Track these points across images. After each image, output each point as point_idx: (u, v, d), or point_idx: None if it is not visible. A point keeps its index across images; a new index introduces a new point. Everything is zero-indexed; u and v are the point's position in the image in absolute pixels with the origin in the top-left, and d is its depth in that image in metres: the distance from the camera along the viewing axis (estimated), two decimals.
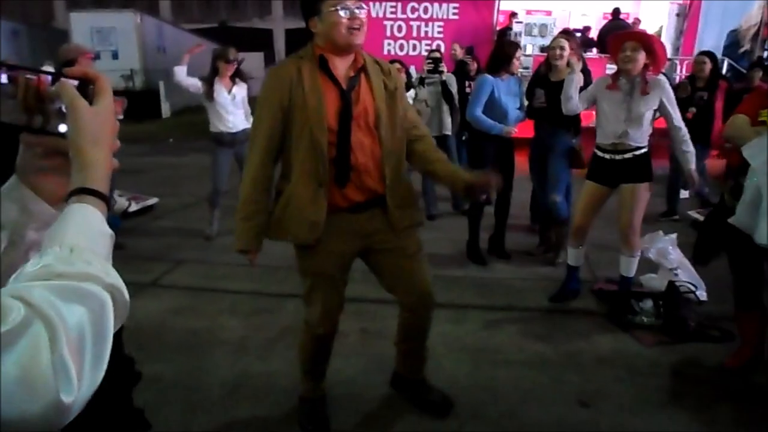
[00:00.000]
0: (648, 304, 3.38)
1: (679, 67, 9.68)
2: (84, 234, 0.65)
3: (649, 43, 3.25)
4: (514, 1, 10.53)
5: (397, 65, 5.69)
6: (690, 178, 3.34)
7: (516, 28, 10.39)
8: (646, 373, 2.83)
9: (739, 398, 2.64)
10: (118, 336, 0.63)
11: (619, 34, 3.49)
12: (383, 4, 10.56)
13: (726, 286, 2.92)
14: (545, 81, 4.13)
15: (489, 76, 4.18)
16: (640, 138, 3.29)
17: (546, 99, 4.08)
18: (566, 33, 4.55)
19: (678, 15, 10.73)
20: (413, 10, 10.53)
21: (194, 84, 4.81)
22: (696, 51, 9.42)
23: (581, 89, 3.60)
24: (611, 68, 8.53)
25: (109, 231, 0.69)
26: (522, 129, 4.47)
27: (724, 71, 8.80)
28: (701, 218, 5.27)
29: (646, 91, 3.21)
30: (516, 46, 4.38)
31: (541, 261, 4.43)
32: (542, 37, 10.49)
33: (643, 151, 3.30)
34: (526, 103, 4.35)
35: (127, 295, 0.65)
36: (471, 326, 3.35)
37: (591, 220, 3.54)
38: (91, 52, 4.59)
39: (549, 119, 4.08)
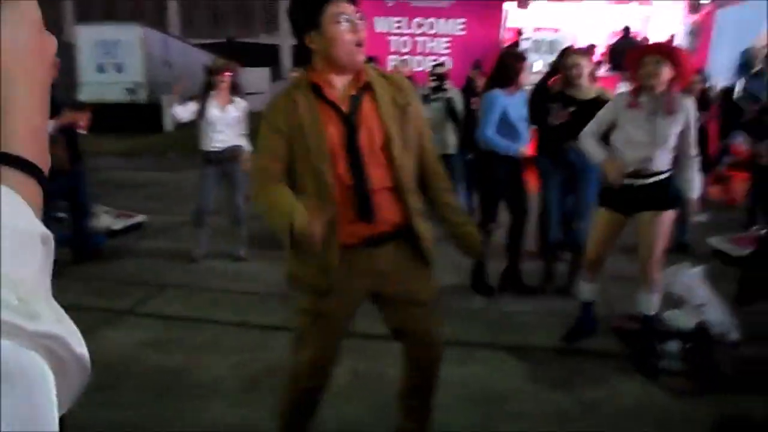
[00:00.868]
0: (674, 346, 3.03)
1: None
2: (12, 253, 0.36)
3: (673, 55, 2.91)
4: (523, 16, 10.34)
5: None
6: (692, 207, 3.08)
7: (524, 44, 10.15)
8: (677, 430, 2.47)
9: None
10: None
11: (639, 48, 3.18)
12: (388, 19, 10.39)
13: (763, 325, 2.58)
14: (564, 97, 3.82)
15: (498, 92, 3.88)
16: (665, 162, 2.95)
17: (573, 116, 3.75)
18: (581, 50, 4.39)
19: (691, 33, 10.49)
20: (419, 25, 10.36)
21: (190, 110, 4.56)
22: (708, 70, 9.17)
23: None
24: (623, 87, 8.33)
25: (43, 230, 0.40)
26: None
27: (736, 93, 8.55)
28: (729, 249, 4.92)
29: (674, 110, 2.88)
30: (521, 57, 4.12)
31: (550, 291, 4.08)
32: (551, 54, 10.25)
33: (666, 175, 2.96)
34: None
35: (81, 347, 0.38)
36: (478, 368, 2.99)
37: (608, 251, 3.20)
38: None
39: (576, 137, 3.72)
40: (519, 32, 10.31)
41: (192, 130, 4.82)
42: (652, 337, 3.09)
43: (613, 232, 3.13)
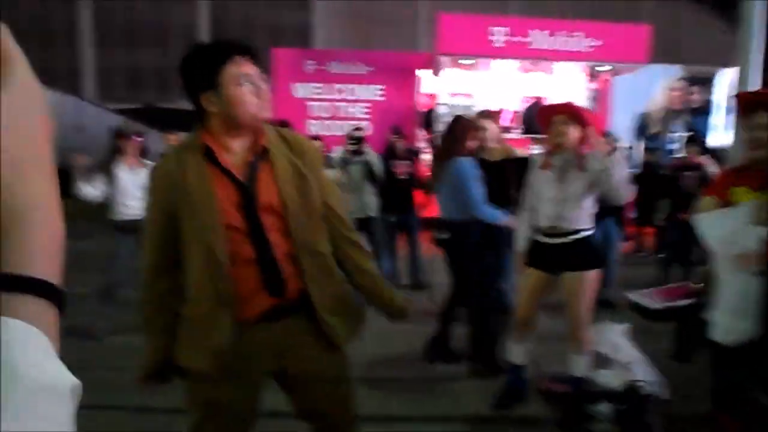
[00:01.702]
0: (605, 408, 2.93)
1: None
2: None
3: (579, 115, 2.98)
4: (437, 83, 10.74)
5: (318, 143, 5.35)
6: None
7: (440, 109, 10.49)
8: None
9: None
10: None
11: (547, 107, 3.25)
12: (307, 84, 10.47)
13: (691, 381, 2.52)
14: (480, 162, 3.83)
15: (466, 159, 3.64)
16: (581, 220, 2.96)
17: (489, 180, 3.73)
18: (487, 114, 4.45)
19: (592, 99, 11.25)
20: (339, 91, 10.50)
21: (99, 188, 4.30)
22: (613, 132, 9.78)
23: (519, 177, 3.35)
24: (534, 149, 8.67)
25: (72, 381, 0.37)
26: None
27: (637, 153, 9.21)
28: (647, 303, 4.99)
29: (584, 167, 2.91)
30: (473, 123, 3.93)
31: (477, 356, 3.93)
32: None
33: (586, 233, 2.96)
34: None
35: None
36: None
37: (535, 310, 3.14)
38: None
39: (492, 200, 3.70)
40: (433, 97, 10.68)
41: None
42: (583, 400, 2.99)
43: (541, 292, 3.09)
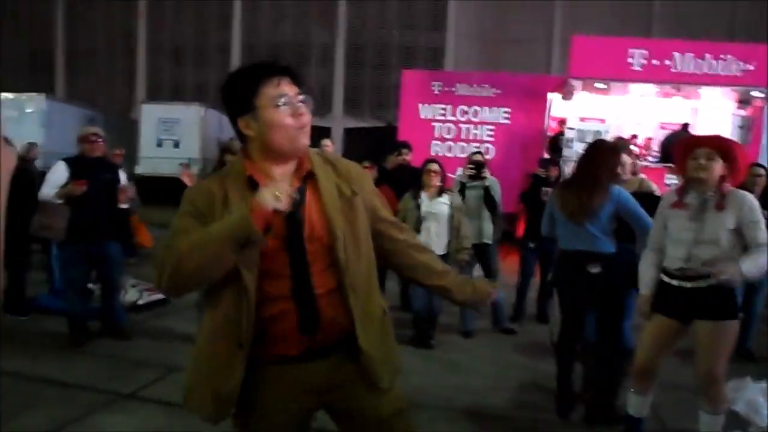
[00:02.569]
0: None
1: None
2: None
3: (727, 149, 2.66)
4: (567, 106, 10.36)
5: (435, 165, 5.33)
6: (733, 274, 2.52)
7: (568, 133, 10.08)
8: None
9: None
10: None
11: (689, 139, 2.90)
12: (432, 106, 10.58)
13: None
14: None
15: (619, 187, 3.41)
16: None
17: None
18: (622, 142, 4.22)
19: (741, 127, 10.21)
20: (463, 113, 10.49)
21: None
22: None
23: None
24: (671, 179, 8.04)
25: None
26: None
27: None
28: None
29: (723, 206, 2.61)
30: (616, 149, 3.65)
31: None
32: None
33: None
34: None
35: None
36: None
37: (660, 360, 2.83)
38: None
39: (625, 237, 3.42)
40: (562, 122, 10.31)
41: None
42: None
43: (668, 340, 2.80)
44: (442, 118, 10.66)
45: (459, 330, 5.04)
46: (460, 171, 6.24)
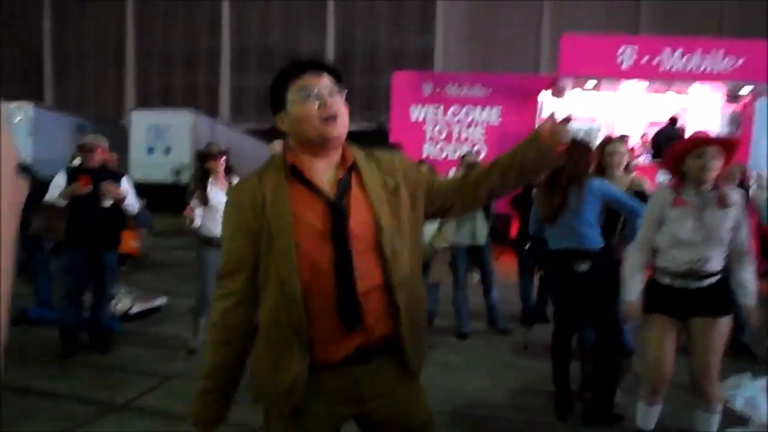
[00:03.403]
0: None
1: None
2: None
3: (732, 150, 2.63)
4: (559, 105, 10.38)
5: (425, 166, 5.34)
6: (750, 317, 2.65)
7: None
8: None
9: None
10: None
11: (694, 139, 2.76)
12: (424, 107, 10.57)
13: None
14: None
15: (598, 179, 3.44)
16: (719, 261, 2.64)
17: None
18: (619, 139, 4.22)
19: (731, 122, 10.27)
20: (454, 113, 10.50)
21: (198, 214, 4.35)
22: (750, 160, 8.84)
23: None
24: (663, 175, 8.05)
25: None
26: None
27: None
28: None
29: (727, 204, 2.59)
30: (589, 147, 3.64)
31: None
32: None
33: (720, 276, 2.64)
34: None
35: None
36: None
37: (671, 363, 2.75)
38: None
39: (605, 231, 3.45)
40: None
41: None
42: None
43: (673, 340, 2.74)
44: (433, 118, 10.66)
45: (455, 331, 5.02)
46: (452, 172, 6.23)
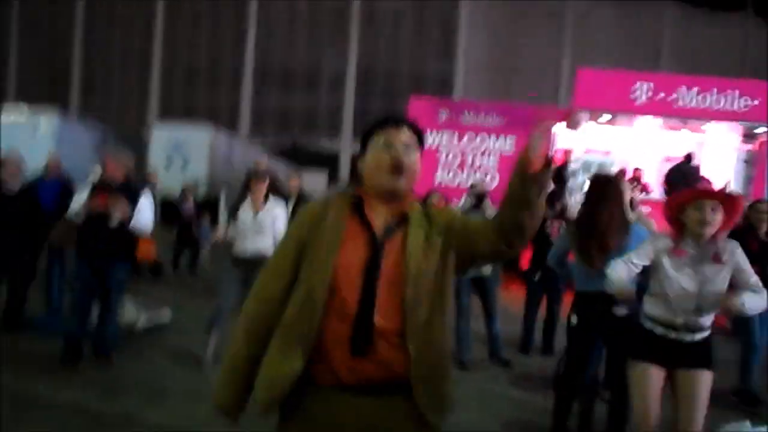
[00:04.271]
0: None
1: None
2: None
3: (732, 205, 2.62)
4: (574, 137, 10.42)
5: (436, 195, 5.39)
6: (725, 300, 2.56)
7: (573, 165, 10.13)
8: None
9: None
10: None
11: (695, 191, 2.77)
12: (440, 133, 10.66)
13: None
14: None
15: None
16: (711, 316, 2.64)
17: None
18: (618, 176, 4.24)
19: (746, 162, 10.22)
20: (469, 141, 10.56)
21: (221, 230, 4.68)
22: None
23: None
24: None
25: None
26: None
27: None
28: None
29: (721, 261, 2.58)
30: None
31: None
32: None
33: (709, 332, 2.64)
34: None
35: None
36: None
37: (659, 410, 2.72)
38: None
39: None
40: (567, 153, 10.36)
41: None
42: None
43: (659, 389, 2.70)
44: (448, 146, 10.74)
45: (454, 360, 5.00)
46: (462, 200, 6.27)
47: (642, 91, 9.21)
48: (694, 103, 9.13)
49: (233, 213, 4.58)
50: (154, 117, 26.23)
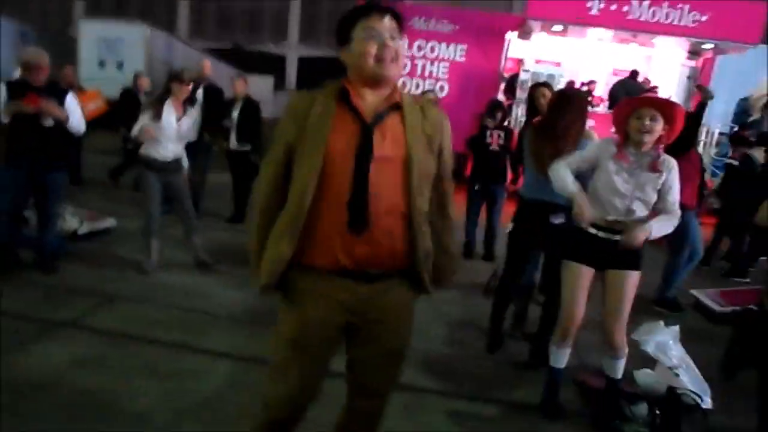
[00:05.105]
0: (642, 409, 2.84)
1: None
2: None
3: (672, 113, 2.68)
4: (525, 48, 10.35)
5: None
6: (628, 233, 2.66)
7: (523, 75, 10.10)
8: None
9: None
10: None
11: (636, 100, 2.83)
12: None
13: (738, 394, 2.36)
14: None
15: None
16: (642, 220, 2.76)
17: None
18: (545, 84, 4.45)
19: (689, 77, 10.46)
20: (419, 48, 10.28)
21: (137, 127, 4.33)
22: (706, 116, 9.08)
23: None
24: None
25: None
26: None
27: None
28: (713, 304, 4.72)
29: (657, 169, 2.69)
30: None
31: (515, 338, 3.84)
32: None
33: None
34: None
35: None
36: (427, 418, 2.80)
37: (583, 309, 2.89)
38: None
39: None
40: (520, 62, 10.30)
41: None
42: (619, 396, 2.89)
43: (586, 289, 2.86)
44: None
45: None
46: None
47: (596, 1, 9.11)
48: (645, 16, 9.12)
49: (155, 111, 4.31)
50: (80, 13, 24.10)
